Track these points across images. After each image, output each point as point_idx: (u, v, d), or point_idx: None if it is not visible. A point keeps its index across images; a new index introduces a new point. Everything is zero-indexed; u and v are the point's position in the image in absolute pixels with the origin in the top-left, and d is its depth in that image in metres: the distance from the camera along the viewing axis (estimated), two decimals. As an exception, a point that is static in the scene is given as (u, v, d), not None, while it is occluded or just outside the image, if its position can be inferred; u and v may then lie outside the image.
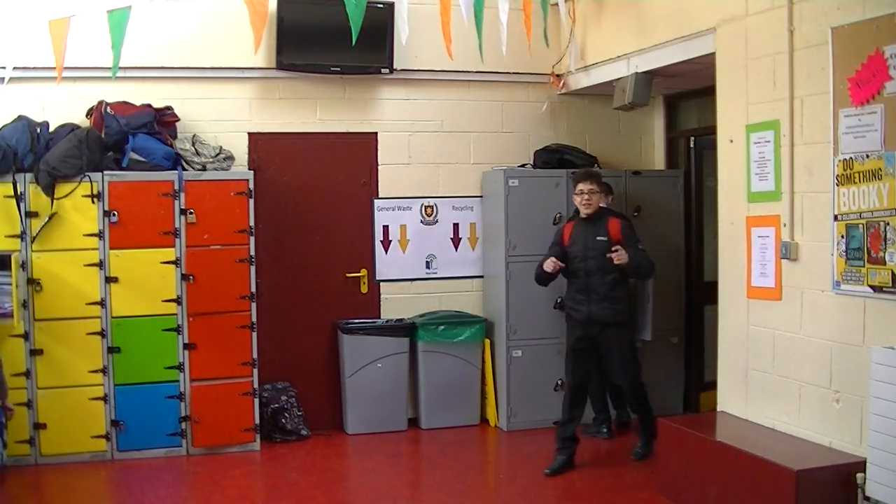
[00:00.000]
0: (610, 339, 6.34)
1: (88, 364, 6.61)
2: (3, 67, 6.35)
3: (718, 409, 5.82)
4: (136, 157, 6.79)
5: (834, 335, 4.83)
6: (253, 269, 6.93)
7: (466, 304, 7.93)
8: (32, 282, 6.49)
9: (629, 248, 6.18)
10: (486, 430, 7.64)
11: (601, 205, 6.49)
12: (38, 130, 6.68)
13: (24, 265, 6.46)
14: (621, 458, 6.70)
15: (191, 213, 6.76)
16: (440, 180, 7.93)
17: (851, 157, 4.66)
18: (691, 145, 7.95)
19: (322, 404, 7.59)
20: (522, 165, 7.89)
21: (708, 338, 6.39)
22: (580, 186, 6.32)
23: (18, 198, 6.45)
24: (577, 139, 8.11)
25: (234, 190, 6.89)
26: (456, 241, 7.98)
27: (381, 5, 7.25)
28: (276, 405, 7.27)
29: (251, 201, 6.91)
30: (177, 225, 6.75)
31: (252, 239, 6.92)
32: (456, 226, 7.98)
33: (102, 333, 6.63)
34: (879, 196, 4.49)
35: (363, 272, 7.77)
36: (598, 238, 6.26)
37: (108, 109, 6.85)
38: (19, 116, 6.72)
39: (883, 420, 4.32)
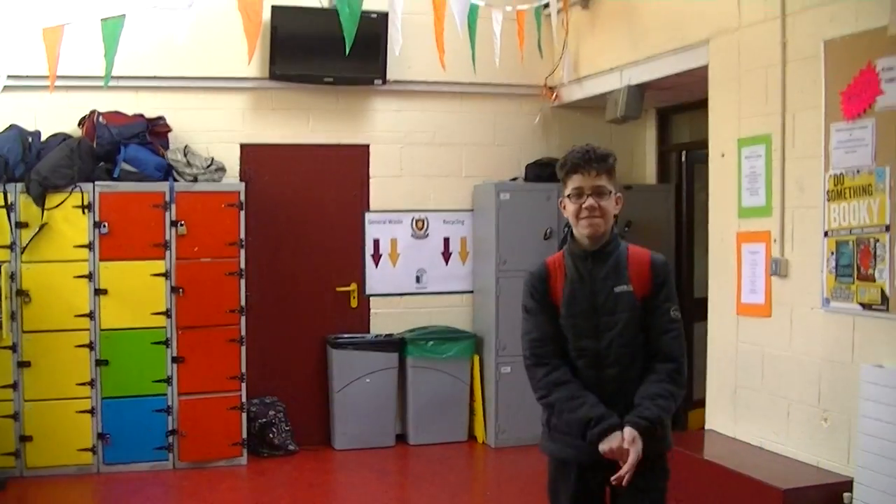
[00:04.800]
0: (637, 491, 3.28)
1: (76, 376, 6.55)
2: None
3: (706, 428, 5.76)
4: (127, 167, 6.76)
5: (823, 353, 4.78)
6: (243, 282, 6.89)
7: (456, 319, 7.87)
8: (21, 293, 6.45)
9: (658, 334, 3.33)
10: (473, 446, 7.57)
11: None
12: (30, 140, 6.67)
13: (13, 276, 6.42)
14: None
15: (181, 224, 6.72)
16: (431, 193, 7.89)
17: (842, 173, 4.62)
18: (683, 159, 7.92)
19: (310, 419, 7.52)
20: (514, 179, 7.85)
21: (697, 355, 6.28)
22: (577, 181, 3.29)
23: (9, 208, 6.42)
24: (570, 153, 8.04)
25: (226, 202, 6.86)
26: (446, 255, 7.93)
27: (375, 15, 7.21)
28: (264, 420, 7.21)
29: (242, 213, 6.88)
30: (167, 237, 6.72)
31: (242, 251, 6.88)
32: (447, 240, 7.93)
33: (91, 346, 6.58)
34: (870, 212, 4.45)
35: (353, 286, 7.72)
36: (617, 290, 3.31)
37: (101, 119, 6.84)
38: (11, 125, 6.72)
39: (871, 439, 4.27)
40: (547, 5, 7.25)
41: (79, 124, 6.97)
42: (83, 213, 6.57)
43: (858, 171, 4.52)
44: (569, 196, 3.30)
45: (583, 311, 3.31)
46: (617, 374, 3.27)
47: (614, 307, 3.28)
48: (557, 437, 3.39)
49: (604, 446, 3.17)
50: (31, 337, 6.48)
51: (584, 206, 3.25)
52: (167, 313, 6.72)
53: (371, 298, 7.78)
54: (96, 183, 6.63)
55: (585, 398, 3.22)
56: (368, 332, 7.72)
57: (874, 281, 4.40)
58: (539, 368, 3.34)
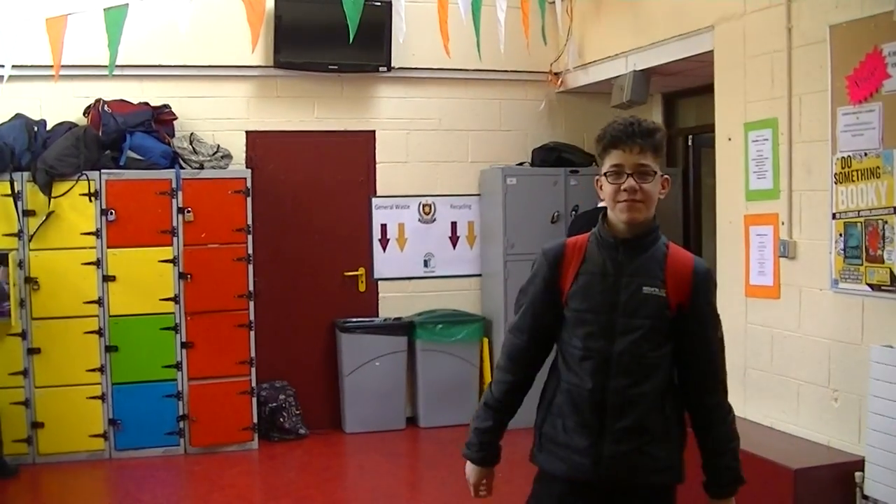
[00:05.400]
0: None
1: (86, 363, 6.60)
2: (1, 66, 6.33)
3: (717, 408, 5.79)
4: (133, 155, 6.80)
5: (832, 334, 4.81)
6: (251, 267, 6.93)
7: (464, 302, 7.92)
8: (30, 280, 6.48)
9: (706, 361, 2.85)
10: (484, 428, 7.60)
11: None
12: (36, 129, 6.68)
13: (21, 264, 6.45)
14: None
15: (188, 211, 6.75)
16: (438, 179, 7.92)
17: (850, 156, 4.64)
18: (689, 143, 7.94)
19: (320, 403, 7.58)
20: (520, 164, 7.88)
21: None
22: (616, 158, 2.77)
23: (16, 196, 6.45)
24: (575, 137, 8.08)
25: (232, 188, 6.89)
26: (454, 239, 7.97)
27: (379, 3, 7.24)
28: (274, 404, 7.26)
29: (249, 200, 6.91)
30: (174, 223, 6.75)
31: (250, 237, 6.91)
32: (454, 224, 7.97)
33: (100, 332, 6.62)
34: (878, 194, 4.47)
35: (361, 271, 7.76)
36: (646, 290, 2.78)
37: (106, 108, 6.85)
38: (17, 115, 6.73)
39: (881, 419, 4.31)
40: (551, -9, 7.27)
41: (84, 113, 6.98)
42: (90, 200, 6.59)
43: (866, 154, 4.54)
44: (606, 175, 2.77)
45: (598, 307, 2.77)
46: (624, 387, 2.73)
47: (638, 309, 2.75)
48: (549, 447, 2.89)
49: (469, 479, 3.07)
50: (40, 324, 6.52)
51: (623, 187, 2.73)
52: (175, 299, 6.76)
53: (379, 282, 7.82)
54: (102, 171, 6.66)
55: (490, 434, 3.03)
56: (377, 315, 7.76)
57: (883, 262, 4.43)
58: (501, 371, 2.98)
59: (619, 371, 2.74)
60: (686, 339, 2.78)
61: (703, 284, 2.81)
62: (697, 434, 2.86)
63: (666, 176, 2.83)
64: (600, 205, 7.00)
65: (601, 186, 2.83)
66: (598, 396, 2.74)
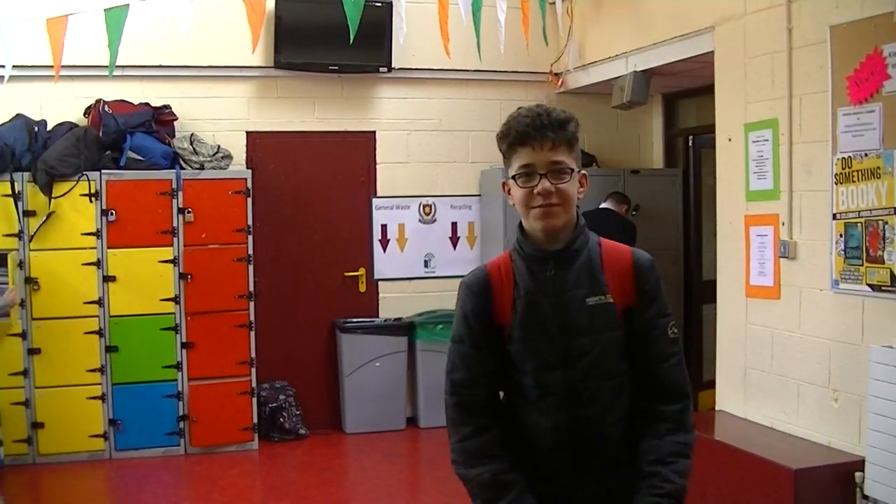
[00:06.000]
0: None
1: (86, 363, 6.60)
2: (2, 66, 6.33)
3: (717, 409, 5.79)
4: (133, 155, 6.80)
5: (832, 334, 4.81)
6: (251, 268, 6.93)
7: (465, 302, 7.89)
8: (30, 281, 6.48)
9: (655, 362, 2.46)
10: (484, 429, 7.61)
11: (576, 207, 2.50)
12: (36, 129, 6.69)
13: (21, 264, 6.45)
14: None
15: (189, 212, 6.76)
16: (438, 179, 7.92)
17: (850, 156, 4.64)
18: (690, 144, 7.95)
19: (320, 403, 7.58)
20: (521, 164, 7.88)
21: (706, 337, 6.31)
22: (525, 157, 2.37)
23: (16, 196, 6.45)
24: (576, 138, 8.08)
25: (232, 189, 6.89)
26: (454, 239, 7.97)
27: (380, 4, 7.25)
28: (275, 404, 7.26)
29: (249, 200, 6.92)
30: (175, 224, 6.75)
31: (250, 238, 6.92)
32: (454, 224, 7.98)
33: (100, 332, 6.62)
34: (878, 194, 4.47)
35: (361, 271, 7.76)
36: (591, 301, 2.42)
37: (106, 108, 6.85)
38: (17, 115, 6.73)
39: (881, 419, 4.31)
40: (551, -8, 7.27)
41: (84, 113, 6.98)
42: (90, 201, 6.59)
43: (866, 155, 4.54)
44: (514, 177, 2.37)
45: (546, 334, 2.38)
46: (597, 415, 2.38)
47: (589, 325, 2.38)
48: (483, 487, 2.41)
49: None
50: (40, 324, 6.52)
51: (536, 191, 2.33)
52: (176, 299, 6.76)
53: (379, 283, 7.83)
54: (103, 171, 6.66)
55: (509, 490, 2.36)
56: (377, 316, 7.77)
57: (883, 263, 4.43)
58: (461, 426, 2.44)
59: (584, 400, 2.37)
60: (639, 339, 2.43)
61: (647, 277, 2.44)
62: (644, 443, 2.41)
63: (583, 172, 2.42)
64: (603, 205, 6.96)
65: (509, 191, 2.43)
66: (566, 434, 2.38)
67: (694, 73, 6.71)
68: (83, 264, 6.59)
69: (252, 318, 6.93)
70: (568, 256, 2.40)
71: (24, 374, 6.47)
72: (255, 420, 6.98)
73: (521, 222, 2.45)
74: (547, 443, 2.41)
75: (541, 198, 2.33)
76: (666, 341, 2.44)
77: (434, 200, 7.91)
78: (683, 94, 7.99)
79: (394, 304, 7.81)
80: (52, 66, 5.90)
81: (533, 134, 2.32)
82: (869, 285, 4.53)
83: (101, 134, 6.80)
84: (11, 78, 6.11)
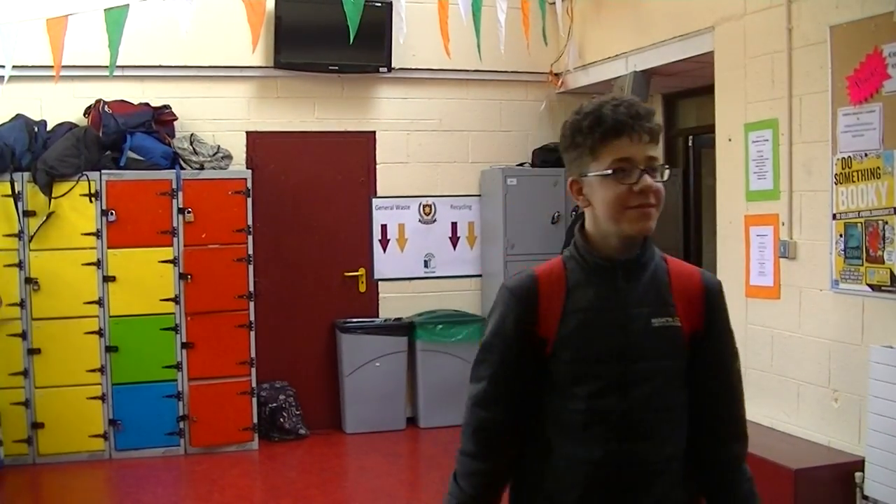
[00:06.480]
0: None
1: (86, 363, 6.60)
2: (2, 66, 6.34)
3: (717, 408, 5.80)
4: (133, 155, 6.80)
5: (832, 334, 4.82)
6: (251, 268, 6.93)
7: (465, 303, 7.92)
8: (30, 281, 6.47)
9: (724, 400, 2.21)
10: (484, 429, 7.60)
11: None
12: (36, 129, 6.69)
13: (21, 264, 6.45)
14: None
15: (189, 212, 6.76)
16: (438, 179, 7.92)
17: (850, 156, 4.65)
18: (690, 144, 7.94)
19: (320, 403, 7.58)
20: (521, 164, 7.89)
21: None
22: (624, 149, 2.06)
23: (16, 197, 6.44)
24: (576, 138, 8.08)
25: (232, 189, 6.89)
26: (454, 240, 7.97)
27: (379, 4, 7.25)
28: (275, 404, 7.26)
29: (249, 200, 6.92)
30: (175, 224, 6.75)
31: (250, 238, 6.92)
32: (454, 225, 7.97)
33: (100, 333, 6.62)
34: (878, 195, 4.48)
35: (361, 271, 7.76)
36: (657, 323, 2.12)
37: (106, 108, 6.85)
38: (17, 115, 6.72)
39: (881, 419, 4.32)
40: (551, -8, 7.27)
41: (84, 113, 6.98)
42: (90, 201, 6.59)
43: (866, 155, 4.55)
44: (610, 173, 2.05)
45: (602, 354, 2.09)
46: (648, 449, 2.09)
47: (652, 349, 2.10)
48: None
49: None
50: (40, 324, 6.51)
51: (637, 188, 2.03)
52: (176, 299, 6.76)
53: (379, 283, 7.83)
54: (103, 171, 6.66)
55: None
56: (377, 316, 7.76)
57: (883, 263, 4.44)
58: (478, 461, 2.17)
59: (636, 433, 2.08)
60: (701, 376, 2.15)
61: (719, 304, 2.19)
62: (711, 499, 2.21)
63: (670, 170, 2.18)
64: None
65: (580, 191, 2.14)
66: (611, 469, 2.08)
67: (694, 73, 6.70)
68: (83, 264, 6.59)
69: (252, 318, 6.93)
70: (637, 269, 2.13)
71: (24, 374, 6.47)
72: (255, 420, 6.98)
73: (581, 225, 2.19)
74: (577, 478, 2.09)
75: (641, 196, 2.04)
76: (735, 377, 2.21)
77: (434, 200, 7.91)
78: (683, 94, 7.98)
79: (394, 304, 7.81)
80: (52, 66, 5.91)
81: (631, 124, 2.05)
82: (869, 285, 4.53)
83: (101, 134, 6.80)
84: (11, 78, 6.12)
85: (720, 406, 2.17)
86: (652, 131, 2.07)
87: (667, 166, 2.13)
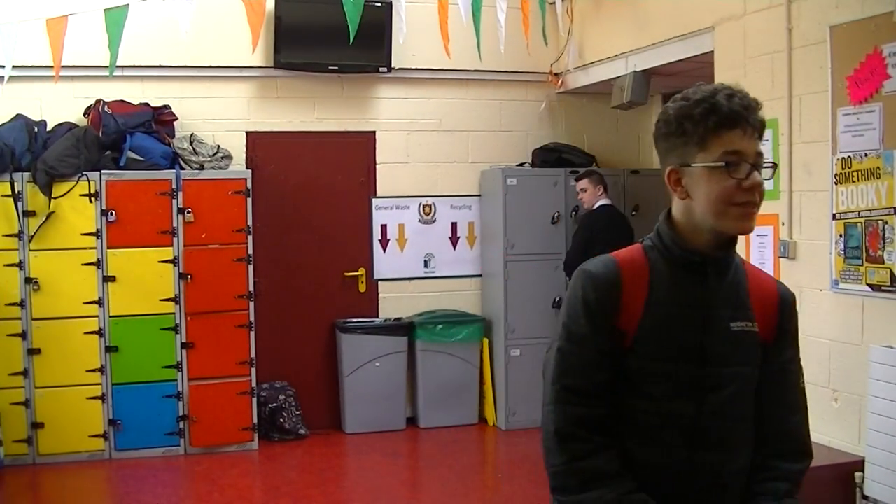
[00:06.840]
0: None
1: (86, 363, 6.60)
2: (2, 66, 6.34)
3: (717, 408, 5.80)
4: (133, 155, 6.81)
5: (832, 334, 4.82)
6: (251, 268, 6.93)
7: (465, 303, 7.91)
8: (30, 281, 6.47)
9: (786, 411, 2.11)
10: (484, 429, 7.62)
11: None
12: (36, 129, 6.68)
13: (21, 264, 6.45)
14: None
15: (188, 212, 6.75)
16: (438, 179, 7.92)
17: (850, 156, 4.65)
18: (690, 144, 7.94)
19: (320, 403, 7.57)
20: (521, 164, 7.89)
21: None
22: (735, 141, 1.94)
23: (16, 197, 6.44)
24: (576, 138, 8.10)
25: (232, 189, 6.89)
26: (454, 240, 7.97)
27: (379, 4, 7.25)
28: (274, 404, 7.25)
29: (249, 200, 6.91)
30: (174, 224, 6.75)
31: (250, 238, 6.92)
32: (454, 225, 7.97)
33: (100, 333, 6.62)
34: (878, 194, 4.48)
35: (361, 271, 7.76)
36: (736, 327, 2.04)
37: (106, 108, 6.85)
38: (17, 115, 6.72)
39: (881, 419, 4.32)
40: (551, -8, 7.27)
41: (84, 114, 6.98)
42: (90, 201, 6.59)
43: (866, 155, 4.56)
44: (722, 165, 1.94)
45: (680, 354, 1.99)
46: (719, 461, 2.00)
47: (730, 354, 2.01)
48: None
49: None
50: (40, 324, 6.51)
51: (746, 184, 1.93)
52: (175, 299, 6.76)
53: (379, 283, 7.82)
54: (103, 171, 6.66)
55: None
56: (377, 316, 7.76)
57: (883, 263, 4.44)
58: (573, 443, 1.98)
59: (710, 442, 1.98)
60: (766, 386, 2.06)
61: (792, 315, 2.12)
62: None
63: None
64: (603, 202, 6.87)
65: (678, 181, 2.03)
66: (683, 476, 1.98)
67: (694, 73, 6.68)
68: (83, 264, 6.58)
69: (252, 318, 6.92)
70: (724, 268, 2.04)
71: (24, 374, 6.47)
72: (255, 420, 6.97)
73: (668, 212, 2.09)
74: (657, 480, 1.98)
75: (748, 193, 1.94)
76: (800, 391, 2.13)
77: (434, 200, 7.91)
78: (683, 95, 7.99)
79: (394, 304, 7.81)
80: (52, 67, 5.91)
81: (745, 115, 1.93)
82: (869, 285, 4.54)
83: (100, 134, 6.79)
84: (11, 78, 6.12)
85: (783, 419, 2.09)
86: (763, 126, 1.97)
87: (775, 164, 2.00)
